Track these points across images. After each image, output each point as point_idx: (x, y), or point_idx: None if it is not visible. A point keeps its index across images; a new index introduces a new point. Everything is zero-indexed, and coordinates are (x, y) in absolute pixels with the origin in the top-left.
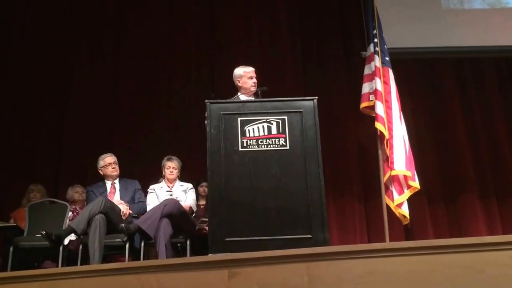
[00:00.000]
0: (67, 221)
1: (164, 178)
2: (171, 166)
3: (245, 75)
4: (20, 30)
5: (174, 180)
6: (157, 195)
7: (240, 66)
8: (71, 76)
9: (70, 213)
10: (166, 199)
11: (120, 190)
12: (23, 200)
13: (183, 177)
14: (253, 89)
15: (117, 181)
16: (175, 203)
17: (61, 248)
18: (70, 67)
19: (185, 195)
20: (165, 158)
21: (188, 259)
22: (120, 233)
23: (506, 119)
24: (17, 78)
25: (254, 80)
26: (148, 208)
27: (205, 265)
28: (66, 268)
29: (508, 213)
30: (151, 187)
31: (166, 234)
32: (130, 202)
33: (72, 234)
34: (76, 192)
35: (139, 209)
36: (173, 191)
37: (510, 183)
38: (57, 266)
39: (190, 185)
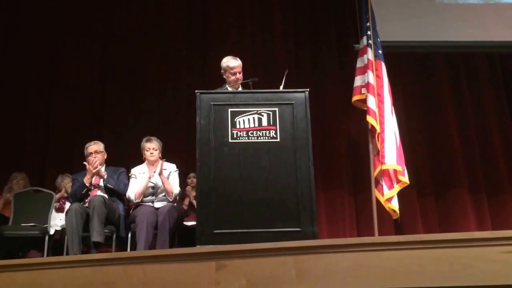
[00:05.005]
0: (53, 210)
1: (145, 160)
2: (150, 148)
3: (228, 70)
4: (9, 20)
5: (156, 161)
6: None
7: (226, 58)
8: (59, 64)
9: (56, 204)
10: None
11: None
12: (5, 188)
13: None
14: (234, 83)
15: (103, 169)
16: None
17: (46, 237)
18: (58, 55)
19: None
20: (144, 139)
21: (176, 250)
22: (108, 225)
23: (498, 114)
24: (4, 66)
25: (238, 76)
26: (130, 191)
27: (192, 256)
28: (53, 258)
29: (497, 208)
30: (132, 170)
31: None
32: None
33: (57, 225)
34: (63, 181)
35: (119, 185)
36: (154, 178)
37: (500, 178)
38: (42, 256)
39: (173, 166)
